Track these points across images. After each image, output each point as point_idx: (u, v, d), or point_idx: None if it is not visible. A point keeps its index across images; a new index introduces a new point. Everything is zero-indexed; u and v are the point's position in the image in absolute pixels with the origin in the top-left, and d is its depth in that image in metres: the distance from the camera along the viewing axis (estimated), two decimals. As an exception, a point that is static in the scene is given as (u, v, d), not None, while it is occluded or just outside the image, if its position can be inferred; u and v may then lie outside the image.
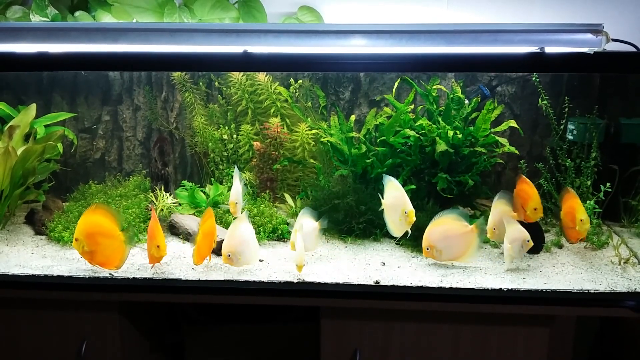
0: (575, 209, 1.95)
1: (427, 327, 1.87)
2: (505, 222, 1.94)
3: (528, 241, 1.92)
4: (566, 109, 2.25)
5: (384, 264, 2.00)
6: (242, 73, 2.46)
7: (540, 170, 2.27)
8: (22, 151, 2.21)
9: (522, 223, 1.96)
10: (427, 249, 1.95)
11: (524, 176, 2.04)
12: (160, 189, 2.36)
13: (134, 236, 1.98)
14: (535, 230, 1.99)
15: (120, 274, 1.93)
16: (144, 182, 2.54)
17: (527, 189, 2.00)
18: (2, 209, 2.26)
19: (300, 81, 2.48)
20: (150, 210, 2.25)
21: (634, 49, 1.96)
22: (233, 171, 2.45)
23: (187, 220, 2.24)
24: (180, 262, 2.01)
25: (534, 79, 2.31)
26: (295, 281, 1.88)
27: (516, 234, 1.92)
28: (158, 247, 1.90)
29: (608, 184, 2.13)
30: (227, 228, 2.06)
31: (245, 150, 2.52)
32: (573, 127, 2.31)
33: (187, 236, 2.19)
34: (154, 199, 2.33)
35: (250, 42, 1.74)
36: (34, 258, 2.05)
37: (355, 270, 1.95)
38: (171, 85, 2.57)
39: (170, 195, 2.36)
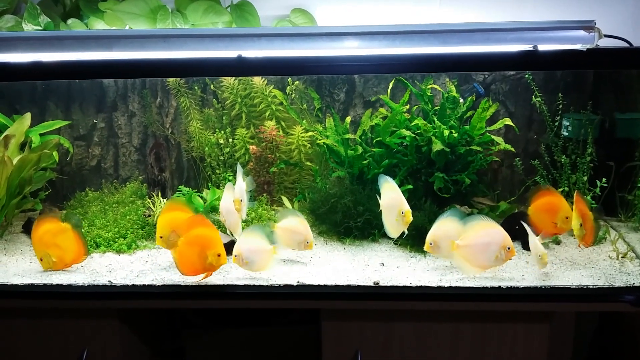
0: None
1: (427, 326, 1.88)
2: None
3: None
4: (560, 106, 2.26)
5: (383, 264, 2.01)
6: (234, 77, 2.46)
7: (537, 167, 2.28)
8: (17, 160, 2.20)
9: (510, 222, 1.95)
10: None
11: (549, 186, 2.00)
12: (157, 195, 2.36)
13: (78, 217, 2.03)
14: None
15: (119, 281, 1.92)
16: (140, 188, 2.54)
17: (554, 200, 1.94)
18: (0, 219, 2.26)
19: (296, 82, 2.48)
20: (149, 216, 2.26)
21: (626, 44, 1.97)
22: (230, 175, 2.46)
23: (185, 225, 2.24)
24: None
25: (527, 76, 2.32)
26: (295, 284, 1.88)
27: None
28: (219, 255, 1.80)
29: (604, 179, 2.14)
30: (225, 232, 2.06)
31: (242, 154, 2.52)
32: (568, 123, 2.32)
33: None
34: (151, 205, 2.33)
35: (244, 46, 1.74)
36: (32, 267, 2.04)
37: (355, 272, 1.95)
38: (166, 90, 2.57)
39: (167, 200, 2.35)
